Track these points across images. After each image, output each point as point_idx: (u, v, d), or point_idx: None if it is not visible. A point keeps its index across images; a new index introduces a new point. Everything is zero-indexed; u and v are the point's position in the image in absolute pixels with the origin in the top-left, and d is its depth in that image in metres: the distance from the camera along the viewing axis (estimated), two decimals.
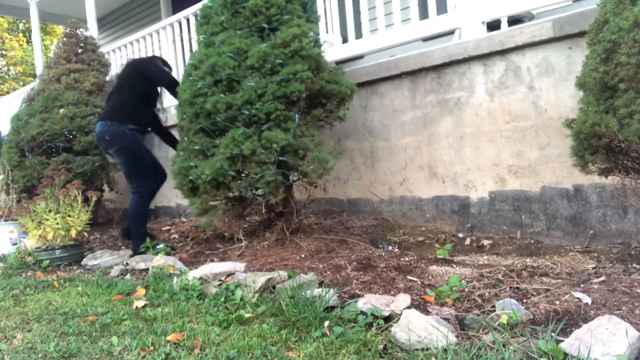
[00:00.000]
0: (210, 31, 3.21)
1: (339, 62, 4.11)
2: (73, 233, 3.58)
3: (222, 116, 2.95)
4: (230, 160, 2.92)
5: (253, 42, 3.04)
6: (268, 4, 3.08)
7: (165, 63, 4.11)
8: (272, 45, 2.98)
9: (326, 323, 1.76)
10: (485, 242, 3.03)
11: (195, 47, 3.97)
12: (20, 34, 21.06)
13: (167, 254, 3.34)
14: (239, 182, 2.99)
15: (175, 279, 2.56)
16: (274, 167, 2.92)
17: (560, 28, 2.75)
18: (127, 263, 3.23)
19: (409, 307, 1.83)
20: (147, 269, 3.00)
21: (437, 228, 3.40)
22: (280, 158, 2.92)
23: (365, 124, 3.80)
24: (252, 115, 2.91)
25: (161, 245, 3.62)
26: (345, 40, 4.21)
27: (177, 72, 5.32)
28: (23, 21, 18.97)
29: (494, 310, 1.79)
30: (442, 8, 3.51)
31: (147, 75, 3.74)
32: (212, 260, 3.09)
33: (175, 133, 4.46)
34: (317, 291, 2.03)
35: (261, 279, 2.24)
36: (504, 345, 1.50)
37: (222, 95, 2.96)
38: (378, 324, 1.77)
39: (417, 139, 3.49)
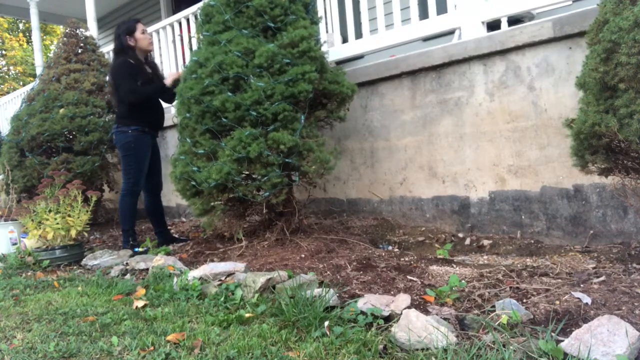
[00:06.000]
0: (213, 30, 3.21)
1: (339, 62, 4.11)
2: (73, 233, 3.58)
3: (230, 115, 2.96)
4: (236, 162, 2.92)
5: (260, 42, 3.05)
6: (272, 4, 3.09)
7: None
8: (279, 45, 2.99)
9: (326, 323, 1.76)
10: (485, 242, 3.03)
11: (194, 47, 3.96)
12: (20, 34, 21.05)
13: (167, 253, 3.34)
14: (246, 185, 2.99)
15: (175, 279, 2.56)
16: (280, 169, 2.92)
17: (560, 28, 2.75)
18: (127, 263, 3.23)
19: (409, 307, 1.82)
20: (147, 269, 3.00)
21: (437, 228, 3.40)
22: (287, 160, 2.92)
23: (365, 124, 3.80)
24: (260, 116, 2.91)
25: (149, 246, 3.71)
26: (345, 40, 4.21)
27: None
28: (23, 21, 18.96)
29: (494, 310, 1.79)
30: (442, 8, 3.51)
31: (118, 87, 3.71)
32: (212, 260, 3.08)
33: (174, 133, 4.46)
34: (317, 291, 2.03)
35: (261, 279, 2.24)
36: (504, 345, 1.50)
37: (229, 94, 2.96)
38: (378, 324, 1.77)
39: (417, 139, 3.49)
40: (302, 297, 1.96)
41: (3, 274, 3.26)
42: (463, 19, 3.33)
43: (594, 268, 2.26)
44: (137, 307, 2.26)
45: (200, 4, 3.75)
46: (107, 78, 4.01)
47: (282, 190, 3.01)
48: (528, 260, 2.59)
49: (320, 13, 3.97)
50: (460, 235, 3.23)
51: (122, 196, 3.76)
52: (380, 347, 1.60)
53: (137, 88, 3.65)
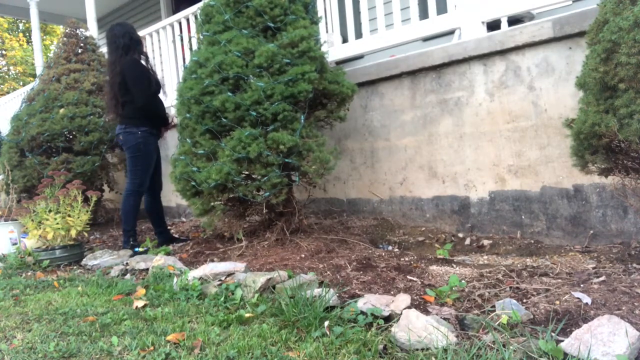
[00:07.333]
0: (213, 30, 3.21)
1: (339, 62, 4.11)
2: (73, 233, 3.58)
3: (230, 115, 2.96)
4: (236, 162, 2.92)
5: (260, 42, 3.05)
6: (272, 4, 3.10)
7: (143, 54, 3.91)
8: (279, 45, 2.99)
9: (326, 323, 1.76)
10: (485, 242, 3.03)
11: (194, 47, 3.96)
12: (20, 34, 21.05)
13: (167, 253, 3.34)
14: (246, 185, 2.99)
15: (175, 279, 2.56)
16: (280, 169, 2.92)
17: (560, 28, 2.75)
18: (127, 263, 3.23)
19: (409, 307, 1.82)
20: (147, 269, 3.00)
21: (437, 228, 3.40)
22: (286, 160, 2.92)
23: (365, 124, 3.80)
24: (259, 116, 2.91)
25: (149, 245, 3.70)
26: (345, 40, 4.21)
27: (177, 72, 5.33)
28: (23, 21, 18.96)
29: (494, 310, 1.79)
30: (442, 8, 3.51)
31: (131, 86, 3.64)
32: (212, 260, 3.08)
33: (174, 133, 4.45)
34: (317, 291, 2.03)
35: (261, 279, 2.24)
36: (504, 345, 1.50)
37: (229, 94, 2.97)
38: (378, 324, 1.77)
39: (417, 138, 3.49)
40: (302, 297, 1.96)
41: (3, 274, 3.26)
42: (463, 19, 3.33)
43: (594, 268, 2.26)
44: (137, 307, 2.26)
45: (200, 4, 3.75)
46: (108, 77, 3.86)
47: (282, 191, 3.01)
48: (528, 260, 2.59)
49: (320, 13, 3.97)
50: (460, 235, 3.23)
51: (126, 196, 3.76)
52: (380, 347, 1.60)
53: (150, 97, 3.67)
